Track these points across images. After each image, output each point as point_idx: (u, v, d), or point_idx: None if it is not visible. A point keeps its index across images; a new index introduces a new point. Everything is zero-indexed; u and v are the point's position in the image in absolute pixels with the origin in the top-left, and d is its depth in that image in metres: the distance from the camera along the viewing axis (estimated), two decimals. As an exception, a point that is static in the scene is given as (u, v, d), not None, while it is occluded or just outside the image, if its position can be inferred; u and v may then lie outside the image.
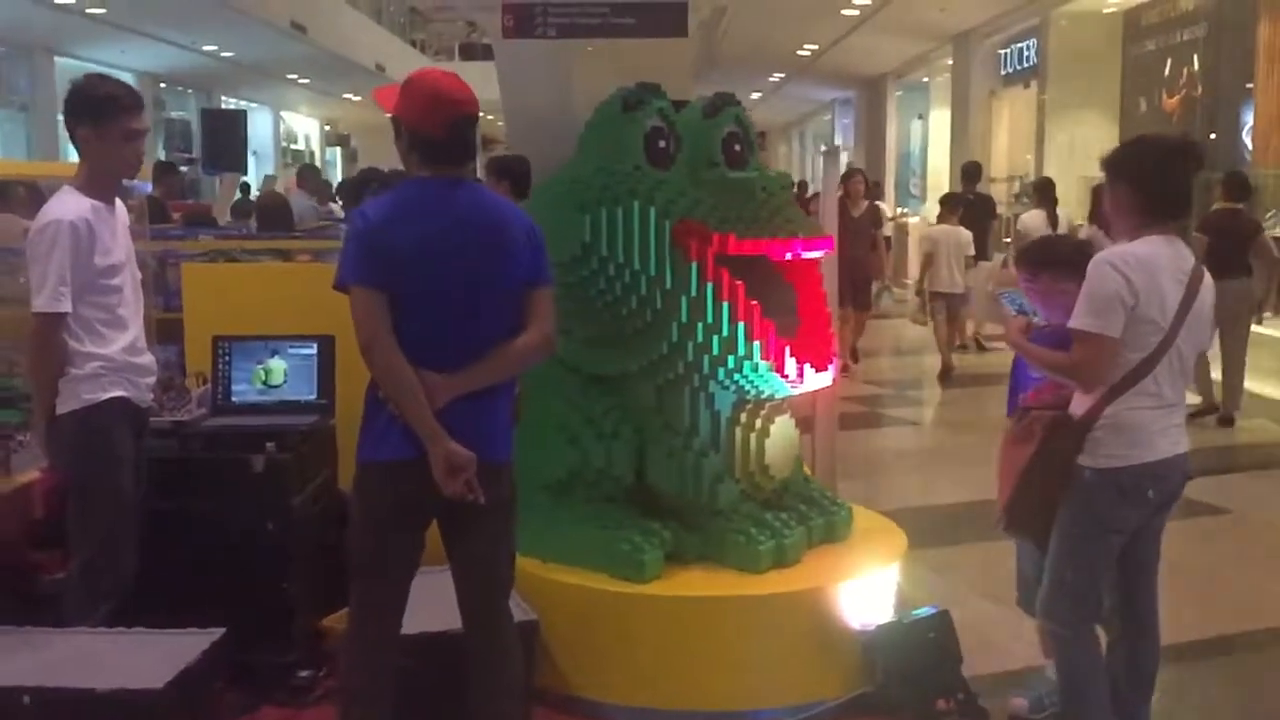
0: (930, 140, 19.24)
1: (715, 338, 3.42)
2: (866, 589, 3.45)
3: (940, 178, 17.33)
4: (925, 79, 19.75)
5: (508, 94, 5.30)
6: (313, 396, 3.77)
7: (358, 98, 26.65)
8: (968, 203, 10.65)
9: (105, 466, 3.13)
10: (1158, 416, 2.83)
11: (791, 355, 3.46)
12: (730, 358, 3.43)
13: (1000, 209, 12.30)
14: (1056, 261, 3.30)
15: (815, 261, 3.77)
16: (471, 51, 30.11)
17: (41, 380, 3.11)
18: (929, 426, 7.54)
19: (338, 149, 32.35)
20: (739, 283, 3.41)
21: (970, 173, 11.34)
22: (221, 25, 16.05)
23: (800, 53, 19.22)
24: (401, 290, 2.59)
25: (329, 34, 18.97)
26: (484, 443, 2.65)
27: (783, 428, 3.66)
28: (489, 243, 2.66)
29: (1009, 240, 11.98)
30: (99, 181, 3.21)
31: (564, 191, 3.52)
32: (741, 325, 3.40)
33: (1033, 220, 9.86)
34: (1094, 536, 2.90)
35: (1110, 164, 2.89)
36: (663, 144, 3.62)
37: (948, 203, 10.52)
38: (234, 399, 3.76)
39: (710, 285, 3.40)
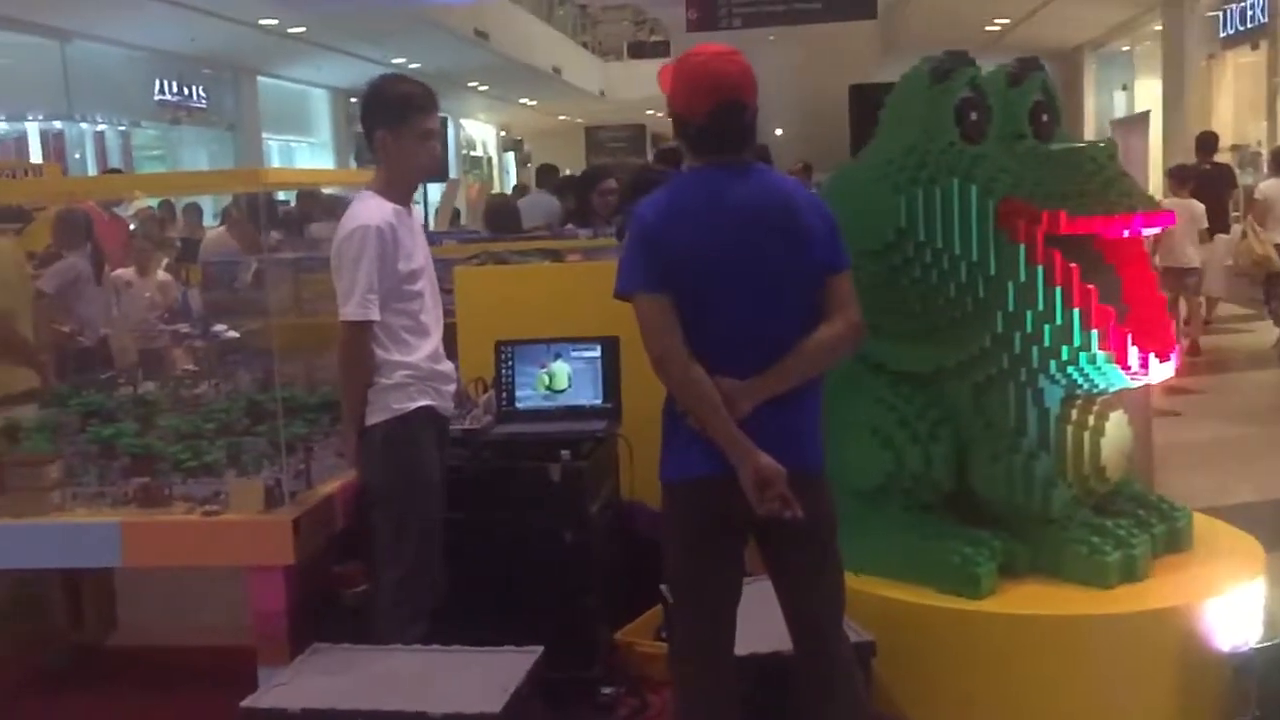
0: (1134, 112, 18.08)
1: (1047, 327, 3.10)
2: (1234, 606, 3.05)
3: (1152, 151, 16.24)
4: (1126, 47, 18.60)
5: None
6: (599, 401, 3.62)
7: (533, 102, 27.08)
8: (1203, 174, 9.98)
9: (416, 478, 3.04)
10: None
11: (1133, 344, 3.11)
12: (1064, 349, 3.10)
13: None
14: None
15: (1140, 240, 3.41)
16: (640, 50, 30.26)
17: (351, 391, 3.04)
18: (1197, 418, 6.93)
19: (511, 154, 32.99)
20: (1073, 265, 3.08)
21: (1206, 143, 10.61)
22: (410, 37, 16.47)
23: (989, 28, 18.38)
24: (690, 292, 2.38)
25: (509, 40, 19.24)
26: (794, 451, 2.42)
27: (1117, 424, 3.30)
28: (781, 230, 2.43)
29: (1236, 214, 11.20)
30: (398, 184, 3.12)
31: (876, 173, 3.25)
32: (1076, 312, 3.07)
33: (1273, 189, 9.31)
34: None
35: None
36: (974, 116, 3.30)
37: (1177, 175, 9.88)
38: (518, 405, 3.65)
39: (1040, 269, 3.08)
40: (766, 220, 2.42)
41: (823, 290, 2.47)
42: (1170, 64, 15.30)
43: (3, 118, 13.35)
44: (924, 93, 3.31)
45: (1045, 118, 3.44)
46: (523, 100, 26.55)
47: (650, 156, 29.57)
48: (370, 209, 3.03)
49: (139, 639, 3.92)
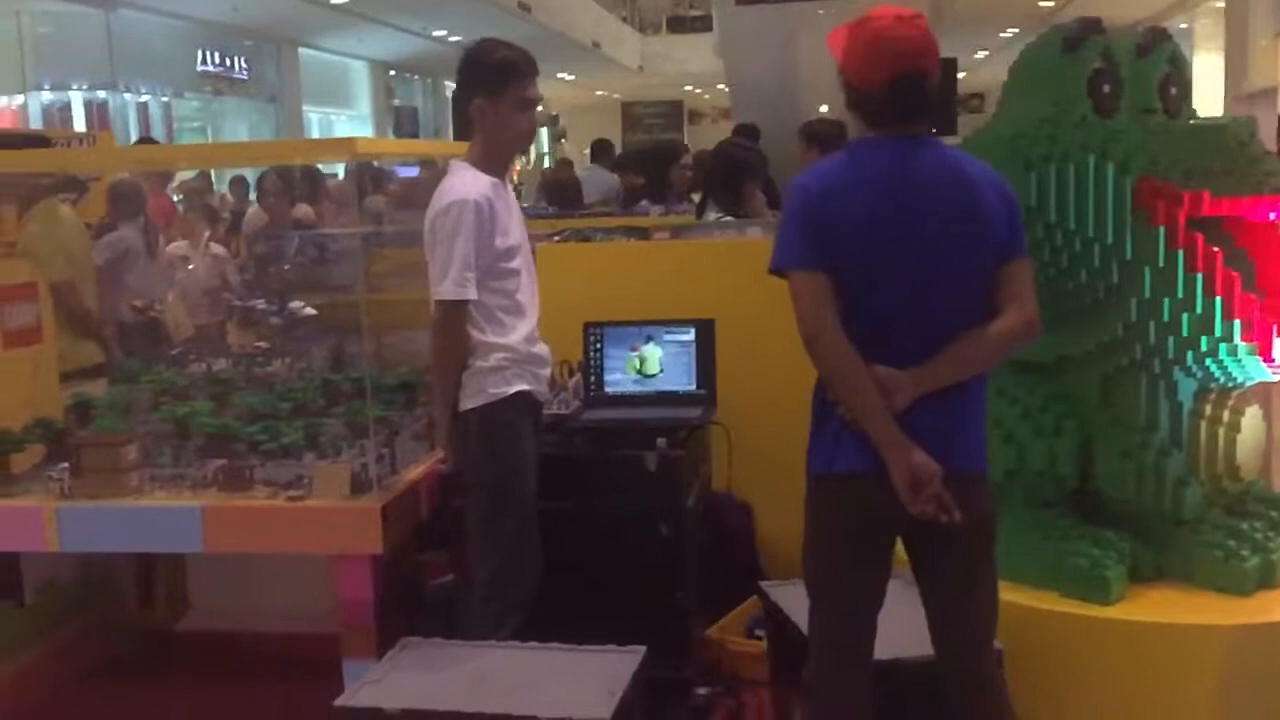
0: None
1: (1185, 316, 2.90)
2: (1383, 616, 2.85)
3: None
4: (1184, 25, 18.11)
5: (731, 63, 4.92)
6: (692, 387, 3.45)
7: (571, 77, 26.80)
8: (1275, 156, 9.66)
9: (513, 466, 2.89)
10: None
11: (1279, 334, 2.91)
12: (1203, 339, 2.90)
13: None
14: None
15: (1276, 224, 3.19)
16: (680, 24, 29.87)
17: (445, 374, 2.88)
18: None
19: (544, 129, 32.69)
20: (1216, 250, 2.88)
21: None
22: (453, 9, 16.23)
23: (1043, 3, 17.96)
24: (850, 271, 2.20)
25: (551, 12, 18.97)
26: (954, 449, 2.24)
27: (1254, 420, 3.10)
28: (958, 210, 2.24)
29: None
30: (494, 155, 2.95)
31: (1006, 147, 3.03)
32: (1218, 301, 2.87)
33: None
34: None
35: None
36: (1107, 89, 3.09)
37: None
38: (608, 389, 3.48)
39: (1180, 254, 2.88)
40: (941, 198, 2.23)
41: (996, 277, 2.28)
42: (1233, 42, 14.87)
43: (47, 87, 13.26)
44: (1054, 62, 3.10)
45: (1174, 91, 3.23)
46: (561, 75, 26.26)
47: (685, 133, 29.29)
48: (467, 182, 2.86)
49: (211, 623, 3.80)
